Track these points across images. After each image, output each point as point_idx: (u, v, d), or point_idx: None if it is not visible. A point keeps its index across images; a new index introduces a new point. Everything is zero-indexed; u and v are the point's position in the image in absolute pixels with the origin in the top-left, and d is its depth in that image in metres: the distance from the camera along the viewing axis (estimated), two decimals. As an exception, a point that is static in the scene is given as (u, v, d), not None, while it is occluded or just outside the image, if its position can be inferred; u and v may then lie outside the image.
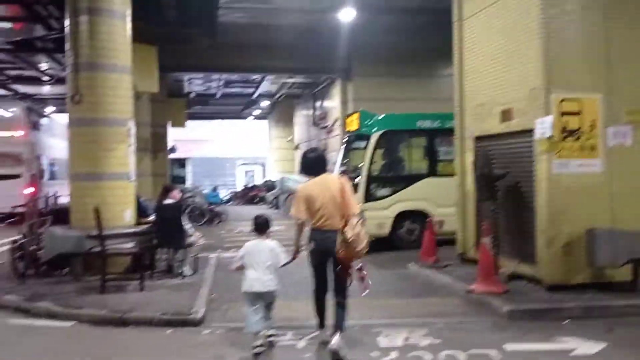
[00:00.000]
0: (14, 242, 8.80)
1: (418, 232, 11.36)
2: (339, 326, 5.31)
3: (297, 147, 31.10)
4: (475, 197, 8.85)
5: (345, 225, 5.16)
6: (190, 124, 32.54)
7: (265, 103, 32.20)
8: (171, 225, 8.40)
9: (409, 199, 11.50)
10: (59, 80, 24.25)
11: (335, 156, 21.72)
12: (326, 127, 23.58)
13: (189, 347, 5.66)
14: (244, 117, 41.45)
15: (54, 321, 6.60)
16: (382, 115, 11.89)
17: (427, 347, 5.38)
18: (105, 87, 8.65)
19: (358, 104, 19.43)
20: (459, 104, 9.61)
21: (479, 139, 9.02)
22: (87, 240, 8.12)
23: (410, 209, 11.52)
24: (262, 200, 30.05)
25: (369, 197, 11.21)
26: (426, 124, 11.83)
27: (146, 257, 8.39)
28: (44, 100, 31.72)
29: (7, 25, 16.65)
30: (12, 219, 9.08)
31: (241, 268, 5.57)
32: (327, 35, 18.16)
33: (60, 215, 9.31)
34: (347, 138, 13.16)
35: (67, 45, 8.81)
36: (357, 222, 5.20)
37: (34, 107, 23.61)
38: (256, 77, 24.27)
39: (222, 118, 42.02)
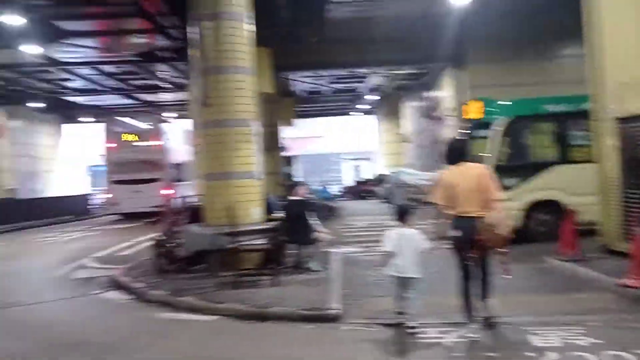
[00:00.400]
0: (155, 240, 9.33)
1: (551, 223, 10.68)
2: (486, 295, 5.55)
3: (407, 140, 30.64)
4: (622, 184, 8.09)
5: (488, 211, 5.38)
6: (296, 122, 33.15)
7: (373, 97, 31.98)
8: (298, 221, 8.48)
9: (540, 188, 10.81)
10: (178, 87, 25.69)
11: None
12: (438, 117, 22.96)
13: (330, 342, 5.63)
14: (351, 113, 41.53)
15: (198, 315, 6.87)
16: (508, 101, 11.28)
17: (588, 347, 4.94)
18: (231, 88, 8.91)
19: (473, 92, 18.68)
20: (595, 83, 8.83)
21: (623, 120, 8.23)
22: (222, 237, 8.41)
23: (542, 199, 10.83)
24: (373, 194, 29.94)
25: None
26: (557, 107, 11.04)
27: (276, 253, 8.53)
28: (163, 107, 33.75)
29: (142, 40, 17.65)
30: (153, 219, 9.60)
31: (387, 258, 5.77)
32: (438, 22, 17.61)
33: (194, 214, 9.73)
34: (466, 127, 12.63)
35: (193, 51, 9.16)
36: (500, 207, 5.42)
37: (164, 118, 25.58)
38: (364, 71, 24.16)
39: (329, 115, 42.36)
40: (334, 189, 33.40)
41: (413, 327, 5.59)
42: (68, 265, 11.41)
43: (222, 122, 8.87)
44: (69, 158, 38.70)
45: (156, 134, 23.47)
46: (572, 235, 8.51)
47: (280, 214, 9.45)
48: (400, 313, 5.72)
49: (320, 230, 8.89)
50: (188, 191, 22.30)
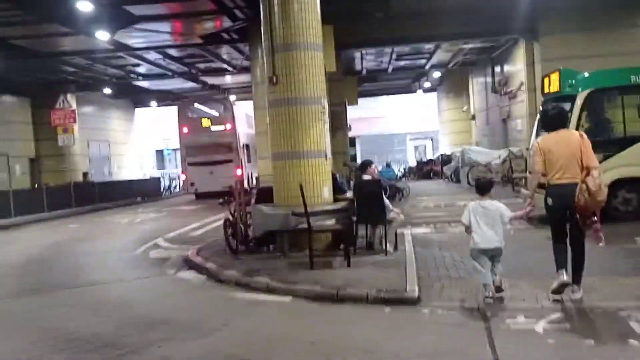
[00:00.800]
0: (226, 220, 9.36)
1: (636, 202, 10.02)
2: (578, 279, 5.57)
3: (473, 117, 29.70)
4: None
5: (587, 176, 5.35)
6: (359, 101, 32.67)
7: (436, 74, 31.10)
8: (371, 201, 8.24)
9: (625, 164, 10.09)
10: (240, 70, 25.85)
11: (523, 123, 20.31)
12: (508, 92, 22.04)
13: (411, 326, 5.40)
14: (413, 91, 40.66)
15: (273, 296, 6.79)
16: (589, 73, 10.55)
17: None
18: (300, 65, 8.73)
19: (547, 65, 17.74)
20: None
21: None
22: (292, 217, 8.32)
23: (627, 176, 10.12)
24: (437, 174, 29.29)
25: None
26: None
27: (348, 233, 8.35)
28: (227, 90, 34.17)
29: (208, 22, 17.73)
30: (223, 199, 9.63)
31: (469, 229, 5.91)
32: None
33: (263, 194, 9.68)
34: (544, 101, 11.94)
35: (264, 28, 9.01)
36: (597, 173, 5.38)
37: (232, 102, 26.82)
38: (429, 46, 23.46)
39: (391, 94, 41.61)
40: (397, 169, 32.90)
41: (500, 288, 5.78)
42: (142, 245, 11.69)
43: (293, 100, 8.70)
44: (139, 141, 40.00)
45: (227, 118, 24.81)
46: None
47: (349, 194, 9.25)
48: (485, 286, 5.77)
49: (394, 210, 8.63)
50: (254, 171, 22.77)
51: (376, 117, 47.68)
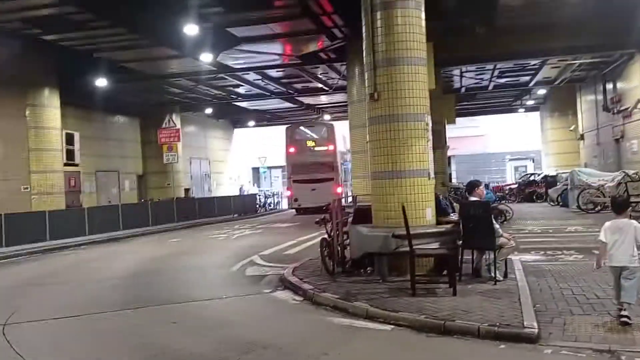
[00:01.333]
0: (323, 239, 9.11)
1: None
2: None
3: (581, 137, 27.79)
4: None
5: None
6: (457, 119, 31.66)
7: (541, 91, 29.51)
8: (479, 224, 7.65)
9: None
10: (337, 89, 25.92)
11: (637, 144, 18.65)
12: (622, 111, 20.35)
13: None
14: (513, 110, 38.97)
15: (373, 323, 6.40)
16: None
17: None
18: (402, 81, 8.37)
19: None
20: None
21: None
22: (393, 239, 7.90)
23: None
24: (540, 197, 27.55)
25: None
26: None
27: (453, 259, 7.79)
28: (320, 109, 34.44)
29: (308, 41, 17.89)
30: (323, 218, 9.40)
31: (603, 250, 5.77)
32: (624, 3, 15.50)
33: (361, 214, 9.34)
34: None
35: (366, 44, 8.76)
36: None
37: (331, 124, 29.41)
38: (535, 62, 22.25)
39: (490, 112, 40.06)
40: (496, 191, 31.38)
41: (627, 317, 5.50)
42: (238, 262, 11.72)
43: (395, 117, 8.34)
44: (236, 160, 41.28)
45: (329, 139, 27.56)
46: None
47: (453, 216, 8.70)
48: (620, 307, 5.63)
49: (504, 235, 7.97)
50: (349, 191, 22.83)
51: (473, 137, 46.16)
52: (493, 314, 6.13)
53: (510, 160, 46.84)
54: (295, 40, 18.18)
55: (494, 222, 7.67)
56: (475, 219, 7.68)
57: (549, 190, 24.63)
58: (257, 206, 31.44)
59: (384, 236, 8.03)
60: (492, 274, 7.79)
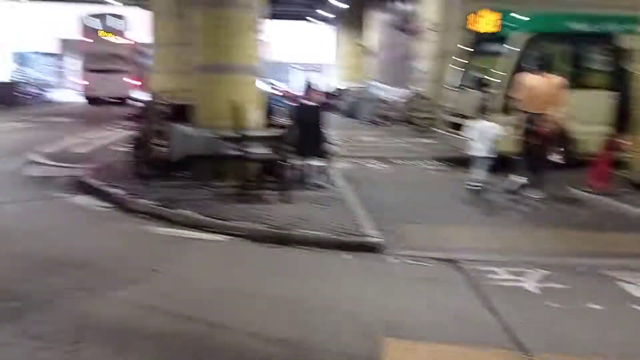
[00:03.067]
0: (136, 139, 7.90)
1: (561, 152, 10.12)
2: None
3: (369, 53, 29.20)
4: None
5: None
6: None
7: (336, 4, 29.88)
8: (310, 130, 7.27)
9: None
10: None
11: (425, 64, 20.08)
12: (413, 31, 21.59)
13: (386, 280, 4.65)
14: (304, 19, 39.07)
15: (204, 233, 5.72)
16: (528, 15, 10.20)
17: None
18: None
19: (462, 5, 17.46)
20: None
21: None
22: (219, 141, 7.13)
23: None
24: (333, 108, 28.57)
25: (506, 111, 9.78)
26: (581, 26, 10.11)
27: (280, 164, 7.36)
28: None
29: None
30: (134, 114, 8.12)
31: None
32: None
33: (177, 112, 8.28)
34: (471, 40, 11.50)
35: None
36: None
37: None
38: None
39: (283, 18, 39.48)
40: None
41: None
42: (15, 159, 9.78)
43: (224, 3, 7.29)
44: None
45: (124, 31, 27.95)
46: (607, 167, 7.82)
47: (283, 120, 8.22)
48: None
49: (333, 141, 7.74)
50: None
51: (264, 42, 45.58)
52: (331, 223, 5.90)
53: (299, 71, 47.63)
54: None
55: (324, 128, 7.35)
56: (306, 125, 7.26)
57: (340, 102, 25.60)
58: (27, 96, 27.04)
59: (209, 138, 7.19)
60: (319, 182, 7.59)
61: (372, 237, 5.46)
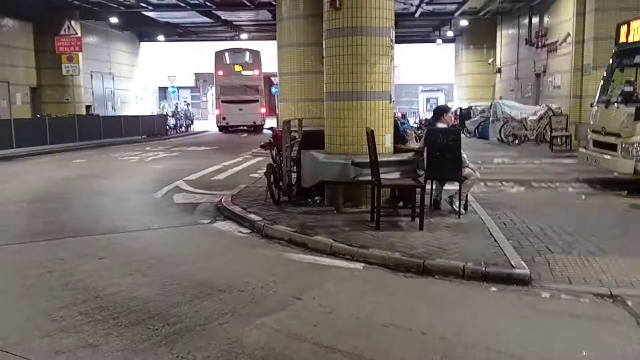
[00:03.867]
0: (269, 166, 8.16)
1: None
2: None
3: (499, 70, 28.11)
4: None
5: None
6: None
7: (463, 22, 29.21)
8: (445, 153, 7.02)
9: None
10: (259, 5, 24.06)
11: (563, 78, 18.90)
12: (549, 45, 20.41)
13: (541, 316, 4.24)
14: (430, 40, 38.72)
15: (339, 260, 5.70)
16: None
17: None
18: (368, -13, 7.32)
19: (601, 16, 16.29)
20: None
21: None
22: (352, 167, 7.13)
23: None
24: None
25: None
26: None
27: (413, 190, 7.18)
28: (239, 27, 32.31)
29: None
30: (269, 141, 8.41)
31: None
32: None
33: (309, 139, 8.44)
34: (619, 52, 10.58)
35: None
36: None
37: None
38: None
39: (407, 42, 39.45)
40: (413, 121, 31.49)
41: None
42: (161, 188, 10.52)
43: (358, 30, 7.33)
44: (143, 77, 38.33)
45: (254, 64, 30.33)
46: None
47: (414, 144, 8.06)
48: None
49: (470, 165, 7.43)
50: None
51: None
52: (471, 252, 5.62)
53: (423, 91, 47.12)
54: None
55: (462, 151, 7.07)
56: (443, 148, 7.02)
57: (466, 122, 24.83)
58: (168, 127, 29.44)
59: (342, 163, 7.22)
60: (455, 207, 7.30)
61: (520, 268, 5.08)
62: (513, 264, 5.18)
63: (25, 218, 7.94)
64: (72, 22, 24.69)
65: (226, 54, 30.96)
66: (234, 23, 31.80)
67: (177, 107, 35.09)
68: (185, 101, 34.87)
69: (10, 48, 24.48)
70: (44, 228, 7.23)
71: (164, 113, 33.38)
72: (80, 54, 24.49)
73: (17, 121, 19.56)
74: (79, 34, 24.85)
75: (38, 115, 23.82)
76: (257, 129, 29.66)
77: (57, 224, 7.47)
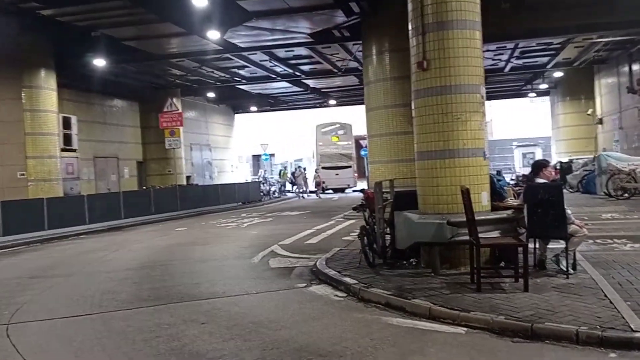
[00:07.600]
0: (363, 228, 8.15)
1: None
2: None
3: (600, 121, 26.83)
4: None
5: None
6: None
7: (557, 74, 28.41)
8: (547, 210, 6.67)
9: None
10: (347, 71, 24.85)
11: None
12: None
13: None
14: (522, 95, 37.97)
15: (439, 324, 5.47)
16: None
17: None
18: (456, 47, 7.37)
19: None
20: None
21: None
22: (448, 227, 6.95)
23: None
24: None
25: None
26: None
27: (515, 249, 6.85)
28: (327, 93, 33.36)
29: (321, 16, 16.78)
30: (361, 203, 8.45)
31: None
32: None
33: (401, 200, 8.36)
34: None
35: (410, 7, 7.76)
36: None
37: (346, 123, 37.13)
38: (558, 41, 21.13)
39: (498, 98, 38.87)
40: (510, 178, 30.41)
41: None
42: (257, 253, 10.77)
43: (447, 89, 7.35)
44: (238, 146, 40.31)
45: (347, 135, 35.67)
46: None
47: (513, 201, 7.76)
48: None
49: (575, 222, 7.01)
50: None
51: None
52: (584, 314, 5.20)
53: (518, 146, 45.73)
54: (309, 16, 17.03)
55: (566, 207, 6.69)
56: (544, 204, 6.69)
57: (568, 177, 23.68)
58: (262, 194, 30.44)
59: (437, 224, 7.07)
60: (562, 266, 6.87)
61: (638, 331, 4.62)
62: (633, 327, 4.72)
63: (133, 285, 8.36)
64: (174, 99, 26.69)
65: (324, 127, 36.29)
66: (322, 90, 32.94)
67: (264, 174, 36.95)
68: (299, 166, 36.54)
69: (119, 126, 26.77)
70: (150, 294, 7.57)
71: (285, 180, 36.49)
72: (181, 128, 26.25)
73: (125, 193, 21.07)
74: (180, 110, 26.74)
75: (144, 187, 25.52)
76: (348, 190, 33.63)
77: (162, 290, 7.80)
